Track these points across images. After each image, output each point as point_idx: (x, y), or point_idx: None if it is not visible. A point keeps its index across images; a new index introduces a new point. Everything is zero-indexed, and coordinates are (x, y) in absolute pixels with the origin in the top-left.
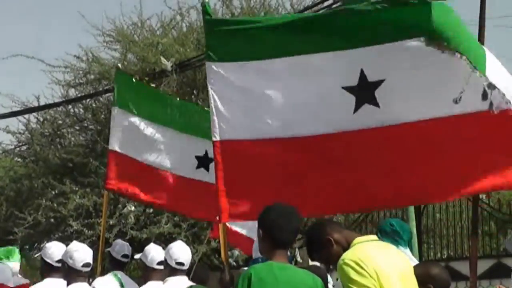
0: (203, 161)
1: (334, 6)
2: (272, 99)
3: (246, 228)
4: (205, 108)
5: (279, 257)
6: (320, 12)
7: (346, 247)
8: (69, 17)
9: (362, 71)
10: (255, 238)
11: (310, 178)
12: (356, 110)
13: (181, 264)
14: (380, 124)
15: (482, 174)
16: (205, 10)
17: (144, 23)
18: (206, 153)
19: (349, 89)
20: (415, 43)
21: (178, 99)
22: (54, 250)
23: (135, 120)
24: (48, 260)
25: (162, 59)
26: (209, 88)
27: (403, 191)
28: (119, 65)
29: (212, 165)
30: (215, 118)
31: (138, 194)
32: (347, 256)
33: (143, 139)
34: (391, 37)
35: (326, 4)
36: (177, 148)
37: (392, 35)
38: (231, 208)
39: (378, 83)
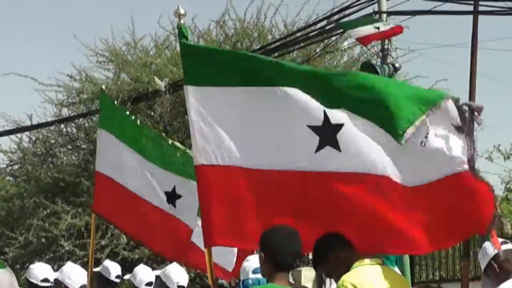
0: (170, 197)
1: (327, 27)
2: (243, 128)
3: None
4: (174, 143)
5: (280, 280)
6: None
7: (349, 265)
8: (62, 36)
9: (325, 112)
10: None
11: (272, 212)
12: (317, 150)
13: (182, 287)
14: (338, 169)
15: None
16: (181, 33)
17: (138, 43)
18: (174, 188)
19: (314, 128)
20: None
21: (151, 131)
22: (38, 270)
23: (118, 144)
24: (33, 281)
25: (156, 79)
26: (188, 112)
27: (356, 238)
28: (103, 86)
29: (178, 202)
30: (194, 142)
31: (120, 223)
32: (347, 279)
33: (126, 164)
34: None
35: (319, 25)
36: (152, 179)
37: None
38: (215, 233)
39: (340, 126)
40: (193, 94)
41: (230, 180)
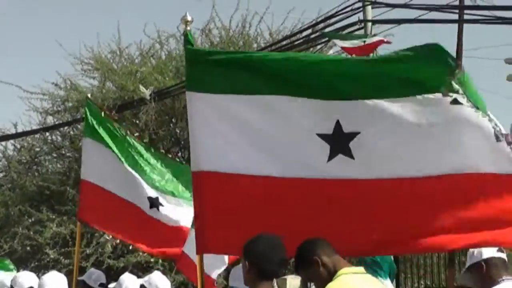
0: (154, 202)
1: (312, 36)
2: (249, 135)
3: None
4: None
5: None
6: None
7: (332, 272)
8: (48, 44)
9: (338, 121)
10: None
11: (278, 220)
12: (330, 159)
13: None
14: (354, 176)
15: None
16: (187, 39)
17: (123, 51)
18: (157, 197)
19: (323, 136)
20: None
21: (134, 141)
22: (23, 278)
23: (105, 151)
24: None
25: (141, 87)
26: (189, 118)
27: (370, 242)
28: (89, 95)
29: (162, 208)
30: (193, 148)
31: (110, 228)
32: None
33: (113, 170)
34: (373, 94)
35: (304, 34)
36: (137, 185)
37: (374, 91)
38: (208, 240)
39: (353, 134)
40: (195, 100)
41: (228, 187)
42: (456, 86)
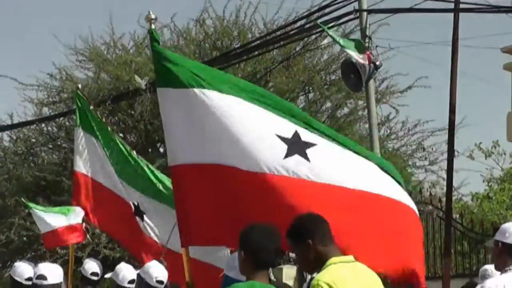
0: (138, 211)
1: (306, 26)
2: (217, 128)
3: None
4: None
5: (260, 278)
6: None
7: (323, 260)
8: (43, 35)
9: (296, 131)
10: None
11: (248, 211)
12: (286, 157)
13: (161, 282)
14: (306, 178)
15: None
16: (152, 37)
17: (117, 42)
18: (138, 205)
19: (282, 138)
20: None
21: (117, 141)
22: (23, 268)
23: (95, 142)
24: (18, 279)
25: (136, 77)
26: (161, 113)
27: None
28: (79, 85)
29: (145, 216)
30: (168, 143)
31: (100, 221)
32: (321, 278)
33: (103, 162)
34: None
35: (299, 24)
36: (121, 187)
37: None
38: (191, 232)
39: (310, 144)
40: (166, 96)
41: (206, 178)
42: None
